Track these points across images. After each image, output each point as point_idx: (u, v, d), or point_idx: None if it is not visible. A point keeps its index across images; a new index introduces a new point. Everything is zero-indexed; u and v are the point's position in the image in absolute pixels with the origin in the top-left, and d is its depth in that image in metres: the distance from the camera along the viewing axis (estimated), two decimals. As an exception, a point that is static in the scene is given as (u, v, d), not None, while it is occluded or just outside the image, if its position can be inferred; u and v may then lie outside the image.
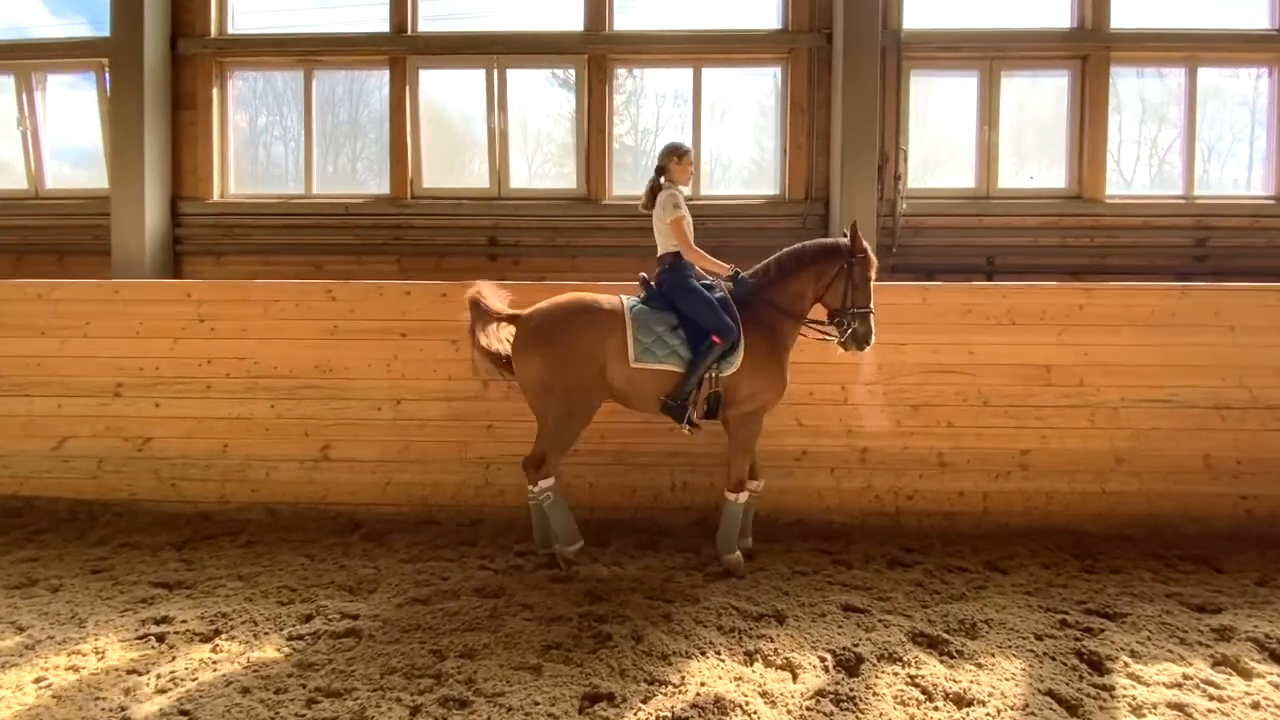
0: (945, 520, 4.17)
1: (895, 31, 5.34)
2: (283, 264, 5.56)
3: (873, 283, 3.51)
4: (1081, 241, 5.43)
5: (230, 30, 5.67)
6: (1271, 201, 5.43)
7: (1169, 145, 5.59)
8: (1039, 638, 2.83)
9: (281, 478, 4.31)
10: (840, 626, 2.91)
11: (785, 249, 3.59)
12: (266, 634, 2.85)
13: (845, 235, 3.54)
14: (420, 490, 4.27)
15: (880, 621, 2.95)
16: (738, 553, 3.53)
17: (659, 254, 3.63)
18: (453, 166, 5.79)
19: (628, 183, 5.63)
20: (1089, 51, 5.41)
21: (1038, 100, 5.58)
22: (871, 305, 3.50)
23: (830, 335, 3.60)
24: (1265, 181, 5.50)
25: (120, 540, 3.98)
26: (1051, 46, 5.44)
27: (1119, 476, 4.18)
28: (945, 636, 2.80)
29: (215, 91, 5.62)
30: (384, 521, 4.20)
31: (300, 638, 2.81)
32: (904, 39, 5.33)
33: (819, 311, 3.60)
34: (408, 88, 5.52)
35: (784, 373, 3.53)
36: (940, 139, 5.59)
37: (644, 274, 3.68)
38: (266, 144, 5.91)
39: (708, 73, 5.57)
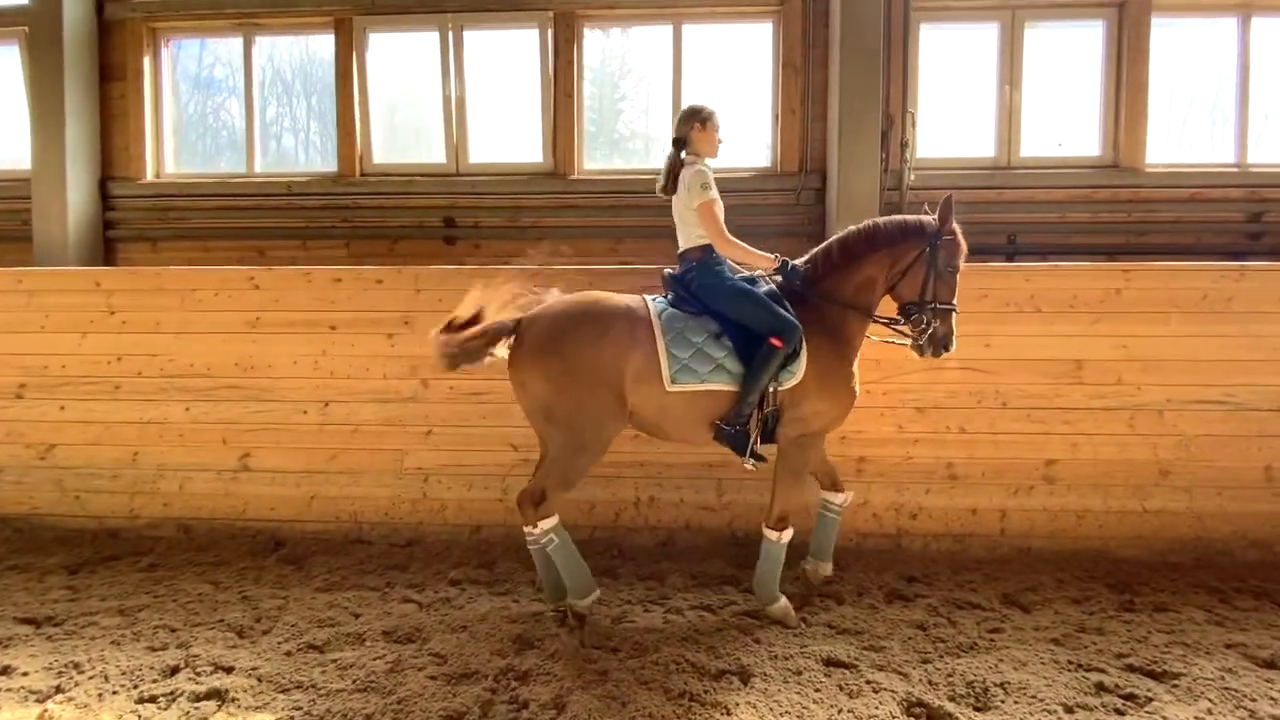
0: (955, 543, 3.58)
1: (902, -22, 4.66)
2: (223, 249, 5.05)
3: (960, 273, 2.85)
4: (1118, 217, 4.74)
5: (162, -8, 5.14)
6: (1340, 169, 4.70)
7: (1218, 106, 4.86)
8: (1069, 710, 2.24)
9: (196, 490, 3.82)
10: (818, 690, 2.34)
11: (850, 228, 2.91)
12: (114, 693, 2.35)
13: (929, 212, 2.87)
14: (349, 505, 3.76)
15: (869, 683, 2.37)
16: (783, 600, 2.89)
17: (682, 248, 2.95)
18: (407, 140, 5.23)
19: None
20: (1127, -2, 4.69)
21: (1068, 56, 4.87)
22: (956, 301, 2.85)
23: (900, 336, 2.94)
24: (1333, 146, 4.77)
25: (11, 562, 3.54)
26: (1084, -8, 4.74)
27: (1164, 492, 3.54)
28: (948, 709, 2.22)
29: (147, 61, 5.09)
30: (308, 540, 3.70)
31: (152, 699, 2.31)
32: (912, -14, 4.66)
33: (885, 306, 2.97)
34: (355, 52, 4.96)
35: (852, 382, 2.88)
36: (955, 101, 4.91)
37: (668, 270, 3.01)
38: (206, 118, 5.39)
39: (689, 29, 4.94)
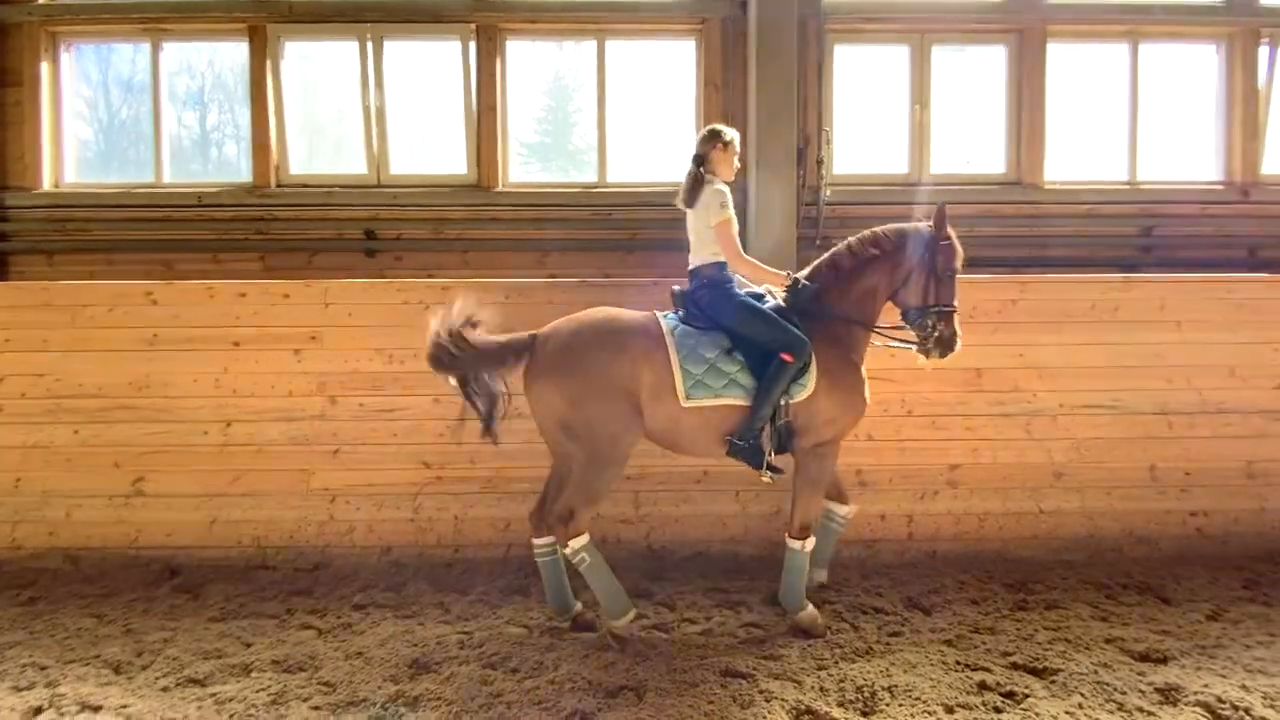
0: (865, 549, 3.66)
1: None
2: (128, 263, 4.83)
3: (959, 277, 2.94)
4: (1021, 231, 4.98)
5: (62, -5, 4.92)
6: (1220, 187, 5.05)
7: (1112, 127, 5.16)
8: (950, 710, 2.31)
9: (85, 517, 3.61)
10: (711, 702, 2.34)
11: (851, 239, 2.98)
12: (-37, 741, 2.18)
13: (925, 220, 2.97)
14: (252, 529, 3.61)
15: (762, 693, 2.39)
16: (810, 608, 2.91)
17: (694, 264, 2.98)
18: (326, 151, 5.11)
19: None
20: (1025, 25, 4.96)
21: (974, 78, 5.12)
22: (957, 302, 2.93)
23: (904, 342, 3.00)
24: (1214, 166, 5.12)
25: (-128, 601, 3.26)
26: (985, 19, 4.98)
27: (1058, 493, 3.71)
28: (835, 714, 2.25)
29: (45, 65, 4.85)
30: (206, 568, 3.53)
31: (6, 745, 2.16)
32: (825, 7, 4.82)
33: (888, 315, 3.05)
34: (269, 61, 4.83)
35: (862, 389, 2.93)
36: (869, 119, 5.09)
37: (677, 287, 3.03)
38: (110, 126, 5.17)
39: (612, 45, 4.99)
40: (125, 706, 2.35)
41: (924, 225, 2.99)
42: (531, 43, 5.07)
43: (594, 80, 5.00)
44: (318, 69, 5.04)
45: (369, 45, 4.86)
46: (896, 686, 2.42)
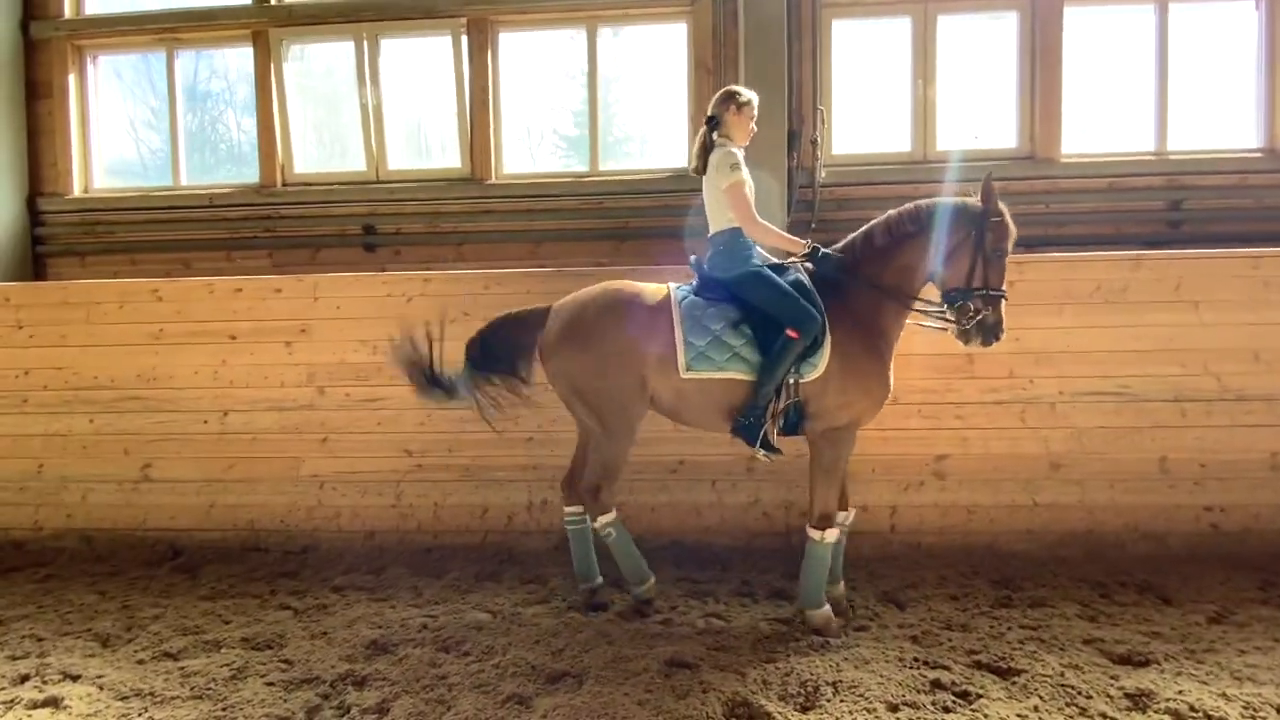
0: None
1: (811, -26, 4.64)
2: (150, 262, 5.10)
3: (1008, 257, 2.74)
4: (1035, 209, 4.68)
5: (86, 10, 5.20)
6: (1259, 154, 4.63)
7: (1137, 94, 4.80)
8: (893, 708, 2.22)
9: (98, 500, 3.87)
10: (649, 691, 2.32)
11: (892, 211, 2.80)
12: (-45, 703, 2.38)
13: (974, 194, 2.79)
14: (246, 513, 3.79)
15: (701, 684, 2.36)
16: (827, 607, 2.77)
17: (711, 231, 2.90)
18: (328, 149, 5.27)
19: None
20: (1040, -12, 4.66)
21: (982, 48, 4.84)
22: (1005, 287, 2.73)
23: (942, 322, 2.82)
24: (1252, 132, 4.70)
25: (-88, 575, 3.59)
26: (995, -16, 4.70)
27: (1055, 486, 3.51)
28: (770, 709, 2.20)
29: (73, 77, 5.16)
30: (205, 549, 3.73)
31: (-10, 709, 2.34)
32: (820, -18, 4.64)
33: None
34: (273, 64, 5.00)
35: (886, 374, 2.79)
36: (869, 96, 4.89)
37: (695, 255, 2.99)
38: (134, 132, 5.45)
39: (604, 32, 4.95)
40: (101, 676, 2.50)
41: (972, 199, 2.78)
42: (526, 34, 5.08)
43: (585, 69, 4.97)
44: (318, 70, 5.19)
45: (365, 44, 4.96)
46: (842, 682, 2.34)
